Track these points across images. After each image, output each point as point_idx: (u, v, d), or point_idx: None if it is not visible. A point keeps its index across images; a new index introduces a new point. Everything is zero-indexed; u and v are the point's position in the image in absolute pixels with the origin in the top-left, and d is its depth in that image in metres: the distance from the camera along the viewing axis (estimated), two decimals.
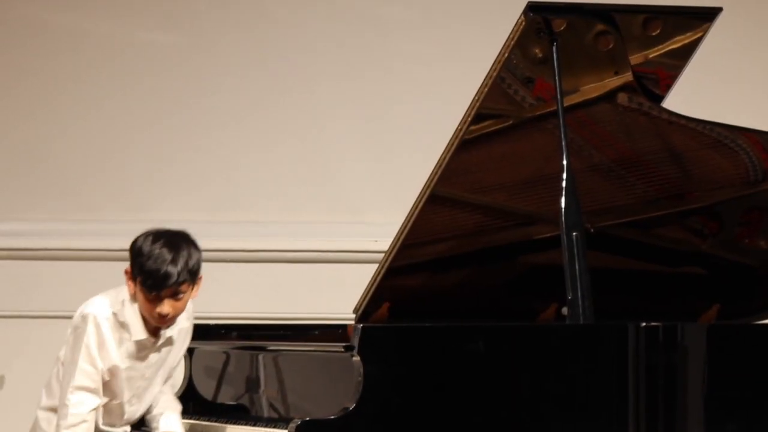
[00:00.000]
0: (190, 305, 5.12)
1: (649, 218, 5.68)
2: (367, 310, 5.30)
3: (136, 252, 4.97)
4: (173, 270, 4.87)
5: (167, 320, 4.98)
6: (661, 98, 5.28)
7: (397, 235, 5.20)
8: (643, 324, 4.83)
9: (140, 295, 4.94)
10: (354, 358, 4.53)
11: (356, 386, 4.51)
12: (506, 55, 4.89)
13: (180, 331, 5.15)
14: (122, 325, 5.01)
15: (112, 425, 5.08)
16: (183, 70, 7.18)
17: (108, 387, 5.03)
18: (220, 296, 6.66)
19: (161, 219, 5.71)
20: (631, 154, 5.46)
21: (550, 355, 4.77)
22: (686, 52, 5.24)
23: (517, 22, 4.82)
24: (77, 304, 5.37)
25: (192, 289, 4.99)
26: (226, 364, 5.46)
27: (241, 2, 7.17)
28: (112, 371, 5.00)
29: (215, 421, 5.20)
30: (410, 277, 5.42)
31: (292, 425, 4.50)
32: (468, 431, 4.67)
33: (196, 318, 5.36)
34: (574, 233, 4.99)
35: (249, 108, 7.14)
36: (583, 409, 4.76)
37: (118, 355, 4.98)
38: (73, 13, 7.15)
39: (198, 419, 5.28)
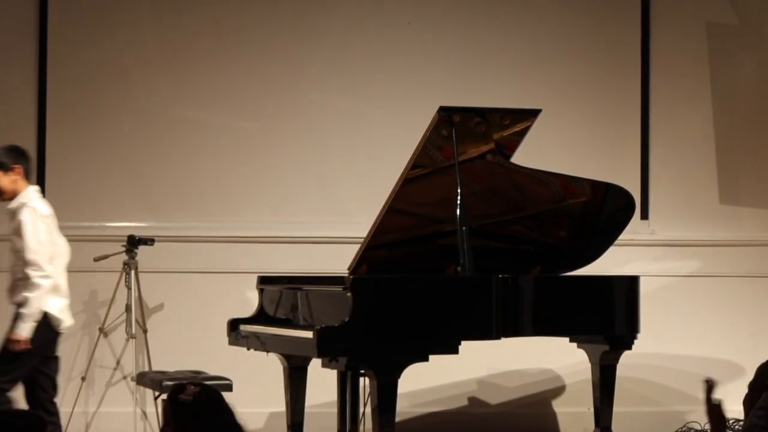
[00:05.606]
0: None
1: (503, 220, 6.93)
2: (355, 269, 6.61)
3: None
4: None
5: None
6: (509, 157, 6.71)
7: (370, 229, 6.60)
8: (500, 275, 6.30)
9: None
10: (347, 294, 5.92)
11: (349, 308, 5.89)
12: (428, 134, 6.41)
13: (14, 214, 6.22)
14: None
15: None
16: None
17: None
18: (277, 262, 7.91)
19: (251, 219, 7.72)
20: (494, 187, 6.77)
21: (452, 291, 6.26)
22: (523, 133, 6.70)
23: (434, 116, 6.39)
24: (208, 261, 7.51)
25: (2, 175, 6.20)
26: (280, 297, 6.69)
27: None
28: None
29: (275, 327, 6.52)
30: (377, 252, 6.62)
31: (316, 328, 5.90)
32: (408, 331, 5.99)
33: (269, 272, 6.94)
34: (463, 228, 6.36)
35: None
36: (470, 317, 6.25)
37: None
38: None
39: (266, 326, 6.53)
